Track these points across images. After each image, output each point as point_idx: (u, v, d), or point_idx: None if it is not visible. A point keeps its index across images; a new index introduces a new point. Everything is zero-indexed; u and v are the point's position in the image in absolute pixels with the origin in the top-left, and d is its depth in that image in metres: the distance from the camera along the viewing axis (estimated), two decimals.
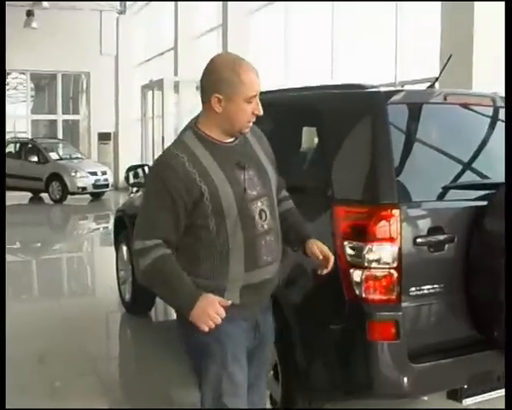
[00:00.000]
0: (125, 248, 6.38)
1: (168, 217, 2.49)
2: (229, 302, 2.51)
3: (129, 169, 5.90)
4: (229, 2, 12.84)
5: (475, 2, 6.97)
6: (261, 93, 4.34)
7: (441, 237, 3.22)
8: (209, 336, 2.50)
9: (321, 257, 2.72)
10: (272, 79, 12.06)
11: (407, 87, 8.22)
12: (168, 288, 2.52)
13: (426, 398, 3.61)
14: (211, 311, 2.43)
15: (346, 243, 3.14)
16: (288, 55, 11.96)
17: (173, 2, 16.36)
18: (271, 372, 3.66)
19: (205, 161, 2.52)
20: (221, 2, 13.19)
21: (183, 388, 4.59)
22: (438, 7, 7.59)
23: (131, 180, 5.87)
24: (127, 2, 21.96)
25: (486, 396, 3.47)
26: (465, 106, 3.78)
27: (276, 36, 12.34)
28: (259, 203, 2.58)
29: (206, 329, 2.43)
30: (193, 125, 2.61)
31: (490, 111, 3.87)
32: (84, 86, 24.09)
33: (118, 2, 22.14)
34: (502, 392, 3.50)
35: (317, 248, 2.74)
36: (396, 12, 9.12)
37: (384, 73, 9.17)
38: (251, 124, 2.59)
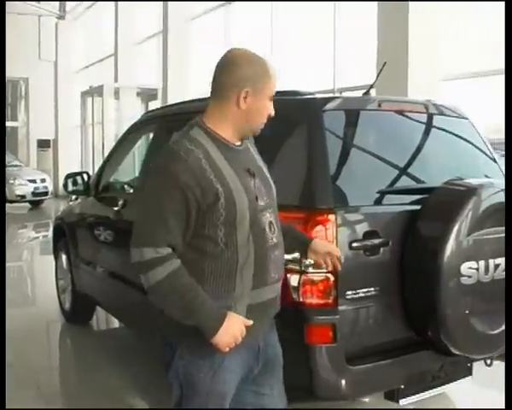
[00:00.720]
0: (64, 257, 6.29)
1: (179, 221, 2.19)
2: (251, 322, 2.28)
3: (67, 177, 5.80)
4: (169, 10, 12.80)
5: (410, 5, 7.12)
6: (199, 99, 4.36)
7: (376, 241, 3.28)
8: (206, 369, 2.31)
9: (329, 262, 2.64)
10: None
11: (345, 94, 8.37)
12: (187, 306, 2.20)
13: (367, 399, 3.68)
14: (237, 332, 2.23)
15: None
16: None
17: (113, 9, 16.21)
18: None
19: (219, 163, 2.26)
20: (161, 10, 13.13)
21: (125, 398, 4.54)
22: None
23: (70, 188, 5.78)
24: (67, 8, 21.65)
25: (422, 396, 3.55)
26: (400, 113, 3.86)
27: (216, 43, 12.36)
28: (268, 214, 2.37)
29: (227, 349, 2.24)
30: (200, 123, 2.35)
31: (424, 118, 3.97)
32: (23, 92, 23.65)
33: (57, 8, 21.81)
34: (436, 391, 3.60)
35: (323, 247, 2.65)
36: (334, 20, 9.21)
37: (323, 80, 9.28)
38: (261, 127, 2.43)
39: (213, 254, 2.25)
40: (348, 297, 3.20)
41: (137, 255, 2.21)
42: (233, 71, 2.31)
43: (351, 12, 9.08)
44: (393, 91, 6.51)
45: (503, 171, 4.14)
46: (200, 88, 12.17)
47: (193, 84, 12.64)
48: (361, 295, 3.19)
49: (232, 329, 2.21)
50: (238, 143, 2.38)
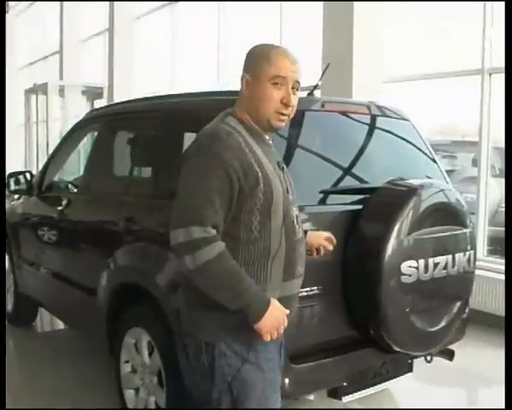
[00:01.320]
0: (6, 258, 6.17)
1: (224, 201, 2.16)
2: (288, 312, 2.28)
3: (9, 176, 5.68)
4: (115, 8, 12.66)
5: (355, 6, 7.20)
6: (141, 99, 4.30)
7: None
8: (247, 362, 2.26)
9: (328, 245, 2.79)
10: (159, 84, 12.01)
11: None
12: (235, 288, 2.14)
13: (312, 397, 3.71)
14: (281, 319, 2.22)
15: None
16: (174, 61, 11.92)
17: (58, 5, 15.93)
18: (156, 379, 3.65)
19: (256, 149, 2.27)
20: (107, 7, 12.97)
21: (70, 398, 4.49)
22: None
23: (12, 187, 5.66)
24: (10, 2, 21.17)
25: (364, 393, 3.61)
26: (344, 114, 3.91)
27: (162, 41, 12.27)
28: (294, 209, 2.37)
29: (269, 338, 2.21)
30: (233, 113, 2.37)
31: (367, 119, 4.03)
32: None
33: None
34: (378, 388, 3.67)
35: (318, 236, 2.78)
36: (280, 19, 9.21)
37: None
38: (282, 118, 2.32)
39: (247, 242, 2.23)
40: None
41: (183, 235, 2.13)
42: (245, 60, 2.40)
43: (297, 12, 9.09)
44: (338, 92, 6.59)
45: (443, 171, 4.24)
46: (147, 87, 12.09)
47: (139, 83, 12.54)
48: (304, 294, 3.22)
49: (276, 315, 2.20)
50: (267, 137, 2.39)
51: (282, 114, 2.30)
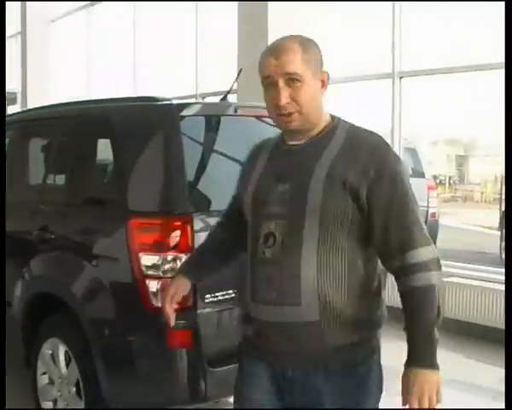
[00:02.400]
0: None
1: None
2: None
3: None
4: (28, 10, 12.34)
5: (269, 8, 7.27)
6: (55, 105, 4.21)
7: None
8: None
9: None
10: (74, 89, 11.78)
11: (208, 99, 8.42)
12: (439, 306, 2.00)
13: (231, 400, 3.73)
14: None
15: (141, 254, 3.16)
16: (90, 65, 11.73)
17: None
18: (74, 389, 3.60)
19: (259, 164, 2.29)
20: (20, 10, 12.63)
21: None
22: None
23: None
24: None
25: None
26: (259, 118, 3.96)
27: (77, 45, 12.05)
28: (272, 225, 2.07)
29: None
30: None
31: None
32: None
33: None
34: None
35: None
36: (196, 21, 9.18)
37: (187, 84, 9.23)
38: (284, 119, 2.07)
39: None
40: (207, 301, 3.26)
41: (430, 252, 2.02)
42: None
43: (214, 13, 9.02)
44: (255, 97, 6.61)
45: None
46: (62, 92, 11.83)
47: (53, 88, 12.24)
48: (220, 298, 3.25)
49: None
50: (292, 143, 2.15)
51: (281, 115, 2.08)
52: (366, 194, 1.99)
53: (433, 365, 1.97)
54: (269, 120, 3.91)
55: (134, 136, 3.50)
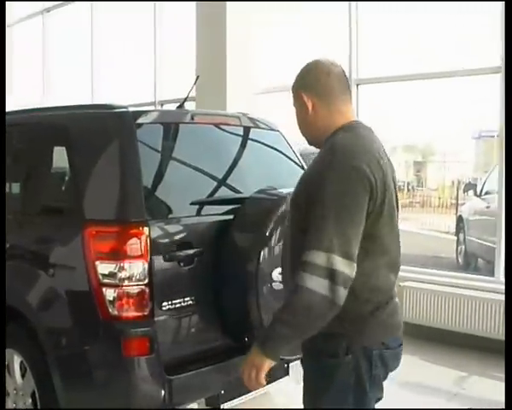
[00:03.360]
0: None
1: None
2: None
3: None
4: None
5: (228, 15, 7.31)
6: (10, 112, 4.16)
7: (190, 252, 3.35)
8: None
9: None
10: (29, 96, 11.59)
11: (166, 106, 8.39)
12: None
13: (196, 406, 3.72)
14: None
15: (97, 262, 3.14)
16: (47, 72, 11.57)
17: None
18: (30, 400, 3.56)
19: None
20: None
21: None
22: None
23: None
24: None
25: (244, 398, 3.67)
26: (217, 126, 3.97)
27: (34, 52, 11.87)
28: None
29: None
30: None
31: (240, 130, 4.11)
32: None
33: None
34: (258, 392, 3.72)
35: None
36: (154, 25, 9.13)
37: (146, 91, 9.17)
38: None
39: None
40: (165, 308, 3.25)
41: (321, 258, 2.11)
42: None
43: (173, 19, 8.97)
44: (213, 104, 6.65)
45: None
46: (17, 99, 11.63)
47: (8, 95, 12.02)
48: (177, 305, 3.24)
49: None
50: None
51: None
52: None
53: (264, 349, 2.18)
54: (227, 128, 4.00)
55: (90, 144, 3.48)
